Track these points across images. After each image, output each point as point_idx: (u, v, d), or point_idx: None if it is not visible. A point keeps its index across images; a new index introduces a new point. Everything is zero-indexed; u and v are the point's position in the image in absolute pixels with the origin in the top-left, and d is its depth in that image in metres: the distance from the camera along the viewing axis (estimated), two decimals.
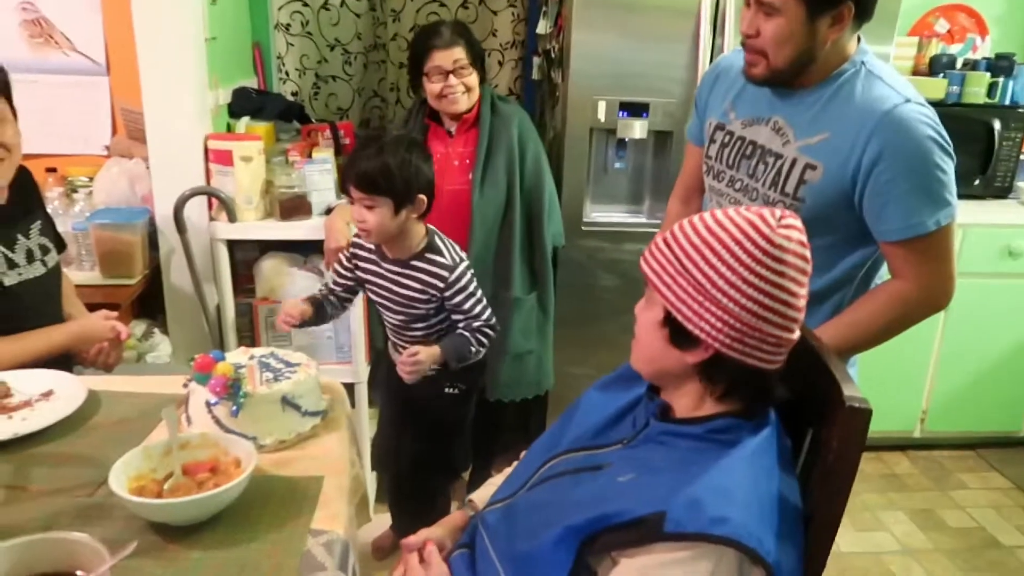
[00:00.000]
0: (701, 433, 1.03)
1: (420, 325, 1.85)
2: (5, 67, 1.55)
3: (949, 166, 1.32)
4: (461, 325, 1.84)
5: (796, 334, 1.01)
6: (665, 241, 1.03)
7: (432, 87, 2.18)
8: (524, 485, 1.18)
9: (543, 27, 2.74)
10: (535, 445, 1.28)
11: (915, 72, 3.05)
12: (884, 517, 2.65)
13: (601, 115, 2.44)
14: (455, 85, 2.15)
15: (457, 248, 1.86)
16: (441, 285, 1.78)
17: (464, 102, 2.20)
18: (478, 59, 2.20)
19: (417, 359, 1.74)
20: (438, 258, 1.79)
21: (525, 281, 2.37)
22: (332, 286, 1.94)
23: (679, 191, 1.78)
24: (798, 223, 0.99)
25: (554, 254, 2.46)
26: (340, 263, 1.93)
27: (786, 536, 0.95)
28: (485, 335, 1.85)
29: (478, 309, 1.83)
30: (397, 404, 2.11)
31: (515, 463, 1.35)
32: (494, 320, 1.87)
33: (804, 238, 0.99)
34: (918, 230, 1.33)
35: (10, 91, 1.54)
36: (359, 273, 1.90)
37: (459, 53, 2.14)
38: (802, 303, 1.00)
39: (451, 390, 1.95)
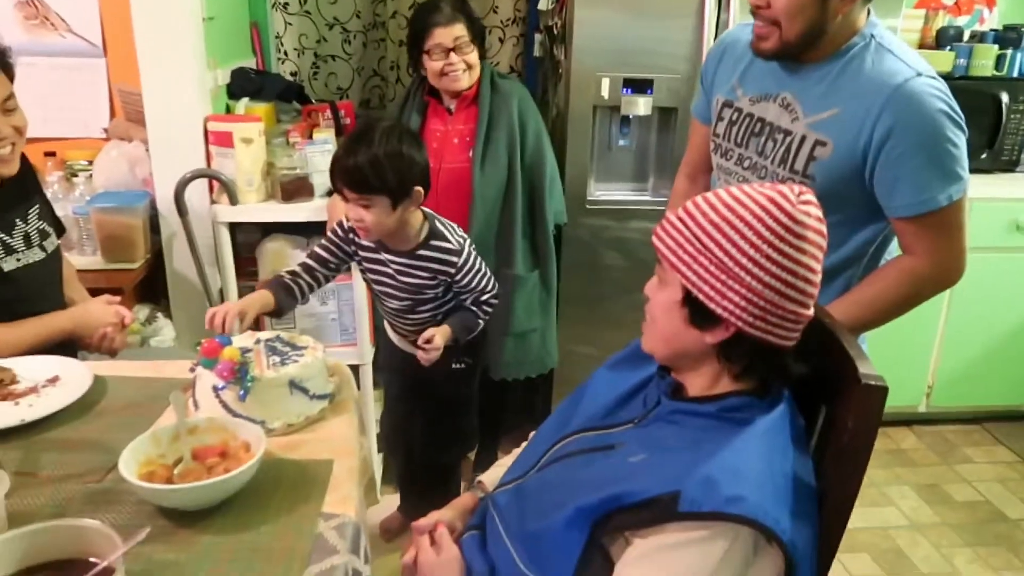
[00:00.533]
0: (714, 412, 1.02)
1: (427, 307, 1.84)
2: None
3: (961, 140, 1.31)
4: (468, 301, 1.84)
5: (812, 311, 1.01)
6: (680, 219, 1.01)
7: (433, 65, 2.15)
8: (534, 466, 1.17)
9: (545, 3, 2.71)
10: (544, 426, 1.27)
11: (922, 45, 3.01)
12: (891, 492, 2.66)
13: (605, 92, 2.41)
14: (456, 63, 2.13)
15: (457, 228, 1.84)
16: (452, 271, 1.77)
17: (466, 79, 2.17)
18: (479, 36, 2.18)
19: (436, 344, 1.75)
20: (444, 244, 1.77)
21: (527, 259, 2.36)
22: (314, 261, 1.80)
23: (685, 169, 1.76)
24: (815, 199, 0.99)
25: (558, 232, 2.44)
26: (336, 238, 1.81)
27: (801, 515, 0.94)
28: (490, 305, 1.88)
29: (483, 283, 1.83)
30: (404, 384, 2.11)
31: (524, 444, 1.35)
32: (497, 288, 1.88)
33: (821, 214, 0.98)
34: (930, 205, 1.31)
35: (13, 74, 1.51)
36: (359, 259, 1.83)
37: (460, 30, 2.11)
38: (818, 279, 1.00)
39: (458, 365, 1.95)
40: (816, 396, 1.09)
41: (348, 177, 1.61)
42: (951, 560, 2.34)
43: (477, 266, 1.81)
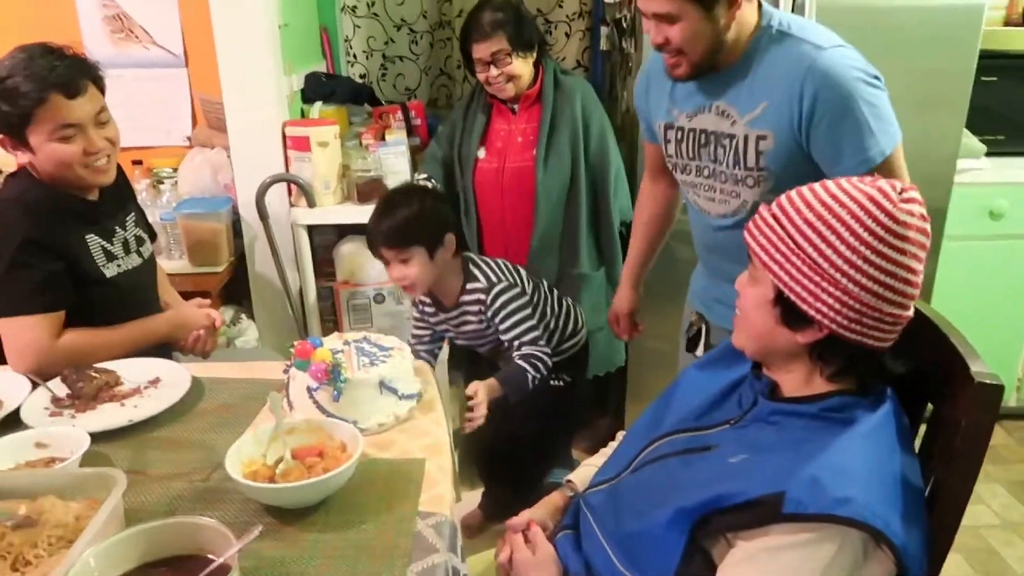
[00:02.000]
0: (815, 412, 1.00)
1: (499, 347, 1.88)
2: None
3: (879, 97, 1.37)
4: (515, 353, 1.82)
5: (911, 311, 0.98)
6: (773, 215, 1.00)
7: (479, 75, 2.19)
8: (628, 467, 1.17)
9: None
10: (635, 426, 1.26)
11: (1007, 23, 2.88)
12: (981, 490, 2.56)
13: None
14: (496, 75, 2.15)
15: (500, 266, 1.86)
16: (482, 308, 1.80)
17: (510, 89, 2.18)
18: (526, 44, 2.16)
19: (479, 399, 1.69)
20: (475, 284, 1.81)
21: (593, 257, 2.35)
22: (415, 345, 1.95)
23: (648, 173, 1.86)
24: (919, 196, 0.96)
25: (625, 229, 2.42)
26: (416, 321, 1.97)
27: (911, 517, 0.92)
28: (540, 361, 1.80)
29: (521, 329, 1.80)
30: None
31: (612, 444, 1.34)
32: (547, 348, 1.84)
33: (924, 211, 0.95)
34: (868, 164, 1.36)
35: (105, 88, 1.58)
36: (434, 326, 1.94)
37: (498, 44, 2.12)
38: (919, 279, 0.96)
39: (556, 382, 1.96)
40: (921, 394, 1.06)
41: (384, 237, 1.73)
42: None
43: (511, 308, 1.80)
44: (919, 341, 1.02)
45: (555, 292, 2.03)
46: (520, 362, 1.80)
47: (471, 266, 1.83)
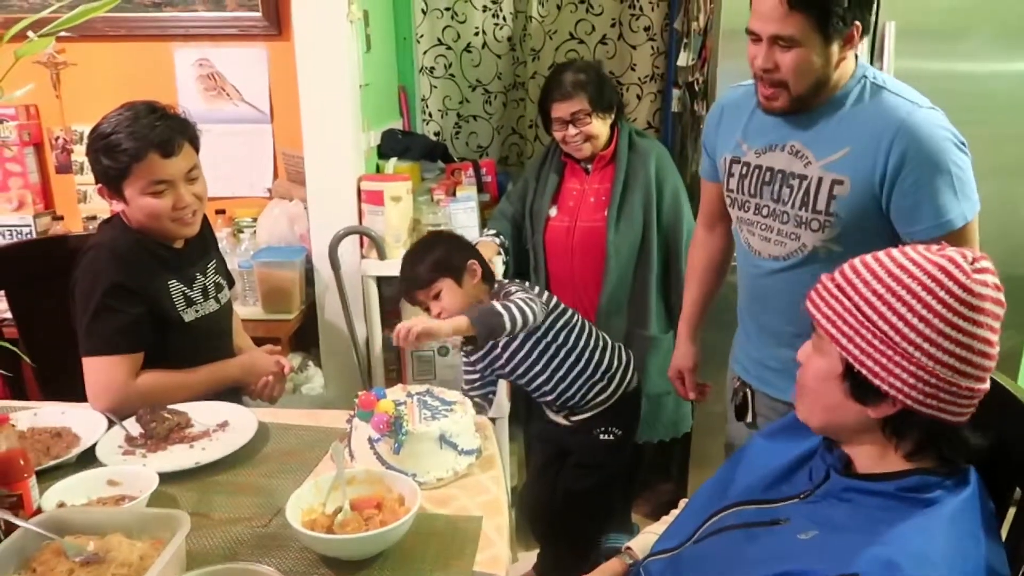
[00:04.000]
0: (892, 491, 0.95)
1: (534, 372, 1.90)
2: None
3: (966, 163, 1.37)
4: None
5: (988, 384, 0.93)
6: (837, 285, 0.97)
7: (556, 134, 2.22)
8: (690, 537, 1.13)
9: (684, 59, 2.70)
10: (698, 494, 1.23)
11: None
12: None
13: None
14: (574, 135, 2.17)
15: (523, 283, 1.91)
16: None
17: (587, 149, 2.21)
18: (606, 106, 2.19)
19: (409, 327, 1.60)
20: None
21: (662, 319, 2.32)
22: (469, 393, 1.95)
23: (702, 220, 1.83)
24: (991, 265, 0.92)
25: None
26: (464, 369, 2.01)
27: None
28: (522, 304, 1.72)
29: (514, 289, 1.84)
30: (549, 451, 2.11)
31: (674, 511, 1.30)
32: (539, 300, 1.79)
33: (998, 281, 0.92)
34: (948, 227, 1.35)
35: (199, 146, 1.67)
36: (480, 370, 1.97)
37: (578, 104, 2.14)
38: (996, 351, 0.92)
39: (605, 436, 1.93)
40: (1007, 476, 1.00)
41: (409, 283, 1.84)
42: None
43: (510, 290, 1.83)
44: (1005, 420, 0.96)
45: (597, 331, 1.99)
46: (496, 303, 1.73)
47: (495, 288, 1.89)
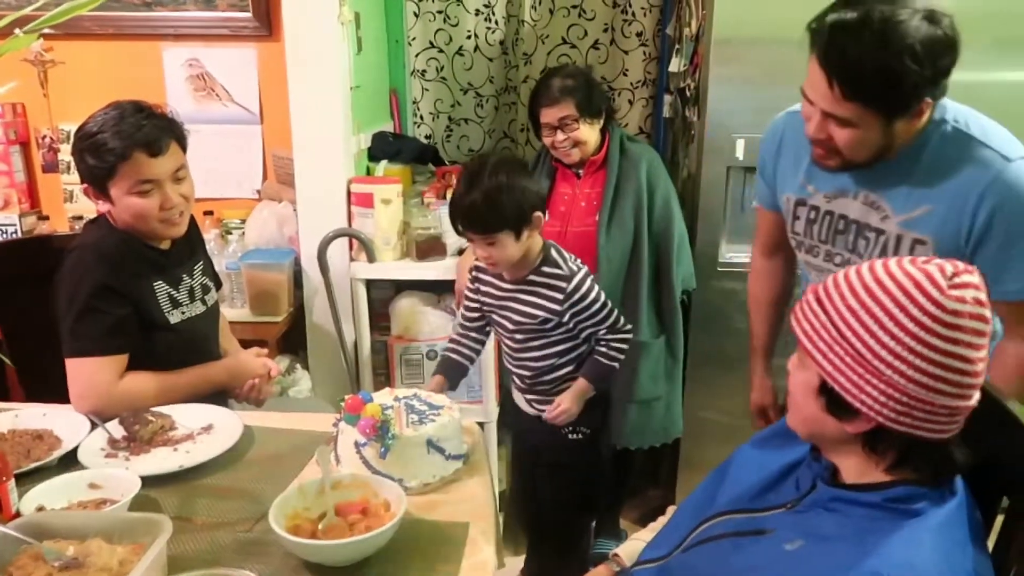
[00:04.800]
0: (879, 501, 0.95)
1: (537, 343, 1.80)
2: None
3: None
4: (595, 342, 1.79)
5: (973, 400, 0.91)
6: (818, 300, 0.96)
7: (545, 139, 2.22)
8: (678, 546, 1.12)
9: (676, 65, 2.71)
10: (686, 503, 1.22)
11: None
12: None
13: (739, 154, 2.36)
14: (563, 140, 2.17)
15: (576, 259, 1.80)
16: (560, 297, 1.72)
17: (576, 154, 2.20)
18: (594, 111, 2.18)
19: (561, 409, 1.76)
20: (555, 270, 1.74)
21: (653, 325, 2.31)
22: (464, 325, 1.91)
23: (760, 248, 1.75)
24: (974, 278, 0.89)
25: (687, 298, 2.39)
26: (467, 298, 1.91)
27: None
28: (620, 341, 1.78)
29: (604, 314, 1.77)
30: (527, 449, 2.10)
31: (662, 519, 1.30)
32: (627, 325, 1.80)
33: (981, 295, 0.89)
34: None
35: (187, 146, 1.65)
36: (481, 298, 1.86)
37: (566, 110, 2.14)
38: (980, 367, 0.90)
39: (574, 436, 1.91)
40: (994, 486, 0.99)
41: (469, 220, 1.66)
42: None
43: (594, 296, 1.75)
44: (993, 431, 0.96)
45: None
46: (602, 349, 1.78)
47: (553, 251, 1.78)
